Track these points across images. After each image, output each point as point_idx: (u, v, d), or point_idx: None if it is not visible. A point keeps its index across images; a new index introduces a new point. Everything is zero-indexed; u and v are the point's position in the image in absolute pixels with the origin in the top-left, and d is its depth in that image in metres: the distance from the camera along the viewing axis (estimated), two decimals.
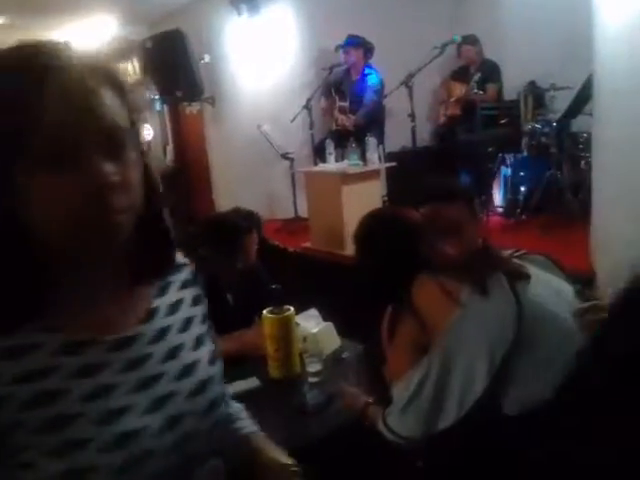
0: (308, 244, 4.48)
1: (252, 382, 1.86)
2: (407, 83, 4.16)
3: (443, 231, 1.48)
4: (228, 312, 2.19)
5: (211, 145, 6.38)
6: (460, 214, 1.59)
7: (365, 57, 4.94)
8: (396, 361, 1.35)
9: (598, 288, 3.12)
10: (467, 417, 1.20)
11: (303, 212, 5.07)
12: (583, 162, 4.46)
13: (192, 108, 6.26)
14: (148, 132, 7.65)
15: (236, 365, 1.95)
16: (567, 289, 1.30)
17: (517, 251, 1.43)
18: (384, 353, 1.70)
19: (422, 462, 1.35)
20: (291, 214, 5.26)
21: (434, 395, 1.24)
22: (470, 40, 5.09)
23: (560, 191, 4.37)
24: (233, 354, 2.00)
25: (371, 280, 1.49)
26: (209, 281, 2.13)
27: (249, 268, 2.22)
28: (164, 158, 7.22)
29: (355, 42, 4.91)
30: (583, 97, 4.04)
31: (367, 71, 4.97)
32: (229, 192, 5.88)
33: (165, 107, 7.22)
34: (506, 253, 1.42)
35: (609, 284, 3.04)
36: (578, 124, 4.56)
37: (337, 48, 5.03)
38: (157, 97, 6.66)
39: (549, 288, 1.28)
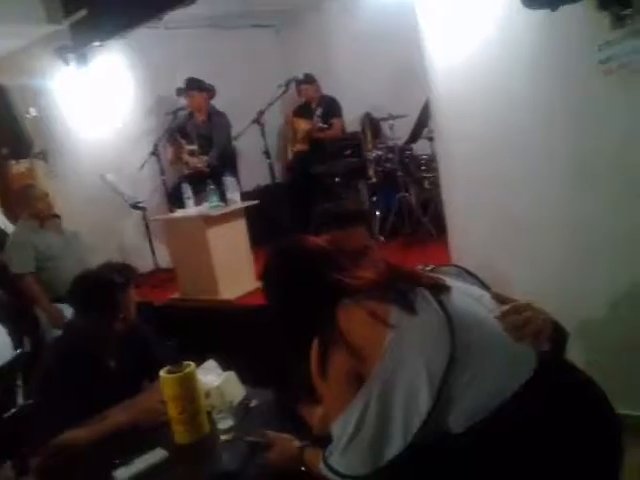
0: (176, 295, 4.24)
1: (158, 454, 1.66)
2: (259, 120, 4.18)
3: (352, 255, 1.46)
4: (111, 379, 1.96)
5: None
6: (362, 237, 1.58)
7: (208, 98, 4.89)
8: (332, 396, 1.27)
9: None
10: (414, 442, 1.16)
11: (163, 262, 4.83)
12: (427, 182, 4.80)
13: (20, 166, 5.71)
14: None
15: (133, 438, 1.75)
16: (484, 294, 1.33)
17: (427, 265, 1.44)
18: (297, 393, 1.62)
19: None
20: (150, 266, 4.96)
21: (377, 425, 1.18)
22: (308, 79, 5.28)
23: (411, 211, 4.64)
24: (127, 426, 1.80)
25: (287, 317, 1.40)
26: (81, 348, 1.91)
27: (130, 327, 2.01)
28: None
29: (196, 85, 4.84)
30: (421, 122, 4.37)
31: (212, 112, 4.92)
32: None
33: None
34: (418, 268, 1.42)
35: None
36: (417, 148, 4.91)
37: (179, 91, 4.93)
38: None
39: (469, 296, 1.30)
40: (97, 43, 4.72)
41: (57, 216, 3.95)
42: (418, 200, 4.71)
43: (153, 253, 4.95)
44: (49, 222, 3.87)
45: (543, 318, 1.24)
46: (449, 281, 1.32)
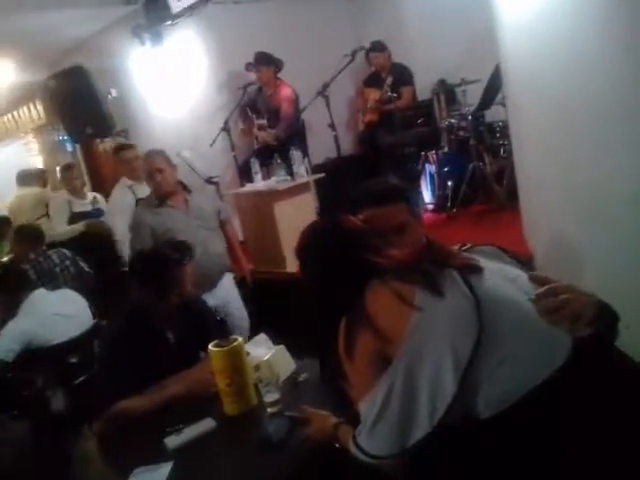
0: (250, 266, 4.35)
1: (207, 423, 1.74)
2: (323, 93, 4.15)
3: (386, 234, 1.42)
4: (170, 351, 2.06)
5: None
6: (400, 214, 1.54)
7: (275, 72, 4.90)
8: (358, 377, 1.27)
9: (536, 269, 3.19)
10: (440, 426, 1.13)
11: (238, 235, 4.95)
12: (502, 150, 4.59)
13: (105, 144, 6.02)
14: None
15: (185, 407, 1.83)
16: (521, 275, 1.26)
17: (464, 245, 1.39)
18: (341, 370, 1.63)
19: (402, 478, 1.27)
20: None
21: (402, 407, 1.16)
22: (377, 47, 5.15)
23: (485, 181, 4.47)
24: (182, 396, 1.88)
25: (319, 294, 1.40)
26: (143, 321, 2.01)
27: (186, 301, 2.09)
28: None
29: (264, 59, 4.86)
30: (493, 87, 4.15)
31: (279, 85, 4.93)
32: None
33: (76, 147, 6.93)
34: (454, 248, 1.37)
35: (545, 264, 3.11)
36: (492, 114, 4.70)
37: (247, 66, 4.97)
38: (66, 137, 6.36)
39: (503, 277, 1.24)
40: (169, 22, 4.82)
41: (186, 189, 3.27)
42: (492, 169, 4.52)
43: None
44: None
45: (583, 301, 1.15)
46: (483, 261, 1.26)
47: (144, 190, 3.70)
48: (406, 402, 1.16)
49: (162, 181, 3.00)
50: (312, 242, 1.45)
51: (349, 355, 1.26)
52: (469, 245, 1.38)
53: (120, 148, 4.11)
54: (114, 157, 4.18)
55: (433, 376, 1.14)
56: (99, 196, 4.61)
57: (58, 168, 4.79)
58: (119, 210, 3.78)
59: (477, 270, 1.22)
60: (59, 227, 4.29)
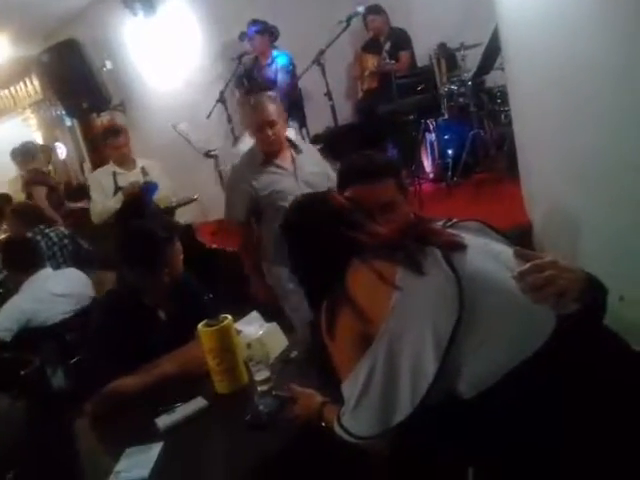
0: None
1: (198, 402, 1.74)
2: (319, 61, 4.06)
3: (372, 211, 1.39)
4: (162, 329, 2.04)
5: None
6: (388, 191, 1.51)
7: (271, 41, 4.80)
8: (340, 357, 1.25)
9: (535, 236, 3.16)
10: (422, 406, 1.12)
11: None
12: (503, 116, 4.49)
13: (102, 118, 5.97)
14: (61, 150, 7.29)
15: (177, 387, 1.83)
16: (506, 251, 1.23)
17: (449, 220, 1.35)
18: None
19: (386, 458, 1.27)
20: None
21: (384, 387, 1.15)
22: (375, 10, 5.01)
23: (485, 148, 4.39)
24: (175, 374, 1.88)
25: (302, 272, 1.39)
26: (133, 300, 1.99)
27: (177, 280, 2.07)
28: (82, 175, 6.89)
29: (259, 27, 4.76)
30: (492, 51, 4.04)
31: (275, 54, 4.83)
32: None
33: (75, 121, 6.87)
34: (438, 224, 1.34)
35: (544, 231, 3.07)
36: (492, 79, 4.58)
37: (241, 36, 4.87)
38: (64, 112, 6.31)
39: (487, 254, 1.20)
40: None
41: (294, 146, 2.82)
42: (492, 136, 4.43)
43: None
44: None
45: (568, 277, 1.12)
46: (468, 238, 1.23)
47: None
48: (388, 382, 1.15)
49: (273, 136, 2.58)
50: (297, 217, 1.42)
51: (331, 335, 1.25)
52: (454, 220, 1.35)
53: (108, 133, 3.91)
54: (102, 142, 4.04)
55: (414, 356, 1.12)
56: (151, 163, 3.98)
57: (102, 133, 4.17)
58: (95, 188, 3.78)
59: (460, 247, 1.19)
60: (98, 205, 3.73)
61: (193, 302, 2.09)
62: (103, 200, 3.72)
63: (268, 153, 2.64)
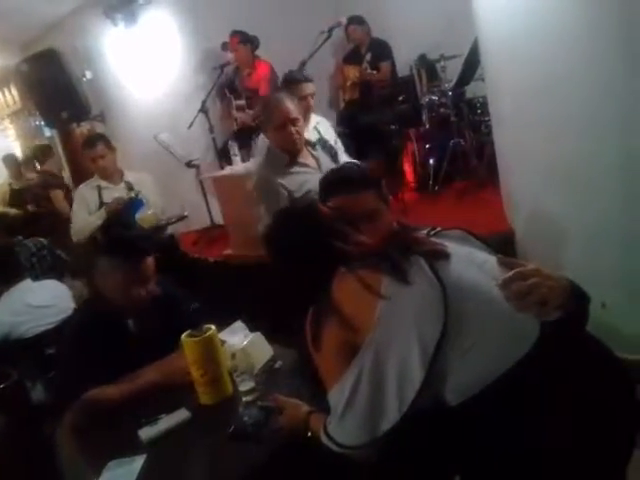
0: (229, 251, 4.32)
1: (181, 414, 1.72)
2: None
3: (356, 221, 1.40)
4: (132, 343, 1.95)
5: None
6: (370, 201, 1.52)
7: (252, 50, 4.81)
8: (327, 366, 1.25)
9: (517, 243, 3.19)
10: (409, 415, 1.12)
11: (218, 219, 4.90)
12: (483, 126, 4.55)
13: (82, 128, 5.91)
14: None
15: (161, 398, 1.80)
16: (489, 260, 1.24)
17: (433, 229, 1.37)
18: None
19: (373, 467, 1.26)
20: (206, 223, 5.07)
21: (371, 396, 1.15)
22: (356, 21, 5.06)
23: (466, 157, 4.44)
24: (157, 384, 1.85)
25: (286, 281, 1.39)
26: (102, 311, 1.92)
27: (150, 294, 1.96)
28: None
29: (240, 37, 4.77)
30: (472, 62, 4.10)
31: (257, 64, 4.85)
32: None
33: (54, 132, 6.79)
34: (422, 233, 1.35)
35: (526, 239, 3.11)
36: (472, 90, 4.65)
37: (223, 46, 4.88)
38: (43, 122, 6.24)
39: (471, 263, 1.22)
40: (142, 1, 4.71)
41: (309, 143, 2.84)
42: (472, 145, 4.49)
43: (208, 210, 5.03)
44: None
45: (551, 284, 1.14)
46: (451, 246, 1.24)
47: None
48: (374, 391, 1.15)
49: (296, 134, 2.53)
50: (280, 228, 1.42)
51: (316, 344, 1.25)
52: (437, 229, 1.36)
53: (85, 144, 3.66)
54: (83, 153, 3.72)
55: (400, 364, 1.12)
56: (141, 177, 3.71)
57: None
58: (77, 203, 3.55)
59: (444, 256, 1.20)
60: (78, 221, 3.52)
61: (174, 313, 2.05)
62: (85, 216, 3.49)
63: (291, 152, 2.57)
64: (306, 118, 2.99)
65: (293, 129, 2.52)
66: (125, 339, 1.95)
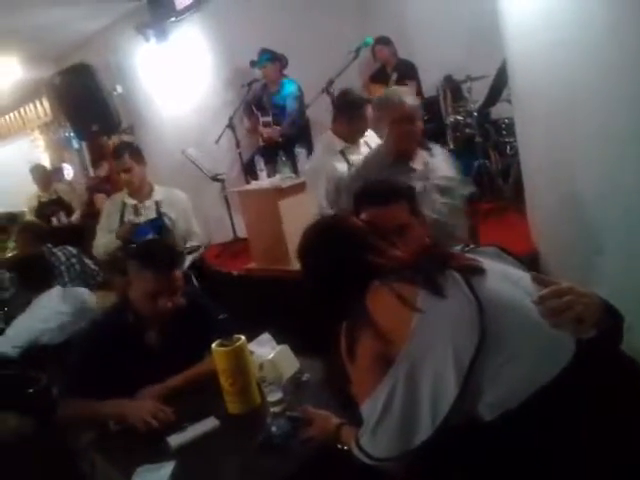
0: (252, 265, 4.36)
1: (210, 423, 1.73)
2: (328, 90, 4.13)
3: (388, 234, 1.42)
4: (150, 355, 1.97)
5: None
6: (402, 215, 1.54)
7: (281, 69, 4.90)
8: (360, 378, 1.26)
9: (542, 266, 3.18)
10: (443, 429, 1.13)
11: (242, 233, 4.96)
12: (508, 147, 4.56)
13: (112, 141, 6.03)
14: (68, 172, 7.35)
15: (190, 406, 1.82)
16: (524, 277, 1.25)
17: (467, 246, 1.38)
18: (346, 371, 1.62)
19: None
20: (230, 236, 5.13)
21: (404, 409, 1.16)
22: (383, 41, 5.14)
23: (491, 179, 4.44)
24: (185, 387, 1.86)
25: (320, 294, 1.40)
26: (120, 324, 1.94)
27: (176, 307, 1.97)
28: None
29: (269, 56, 4.86)
30: (499, 84, 4.13)
31: (284, 82, 4.92)
32: None
33: (83, 144, 6.95)
34: (456, 248, 1.36)
35: (550, 261, 3.10)
36: (498, 111, 4.66)
37: (252, 63, 4.97)
38: (72, 134, 6.39)
39: (506, 279, 1.23)
40: (173, 18, 4.82)
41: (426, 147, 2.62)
42: (498, 167, 4.50)
43: (232, 223, 5.09)
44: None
45: (586, 302, 1.14)
46: (486, 263, 1.25)
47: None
48: (408, 404, 1.16)
49: (412, 134, 2.37)
50: (313, 242, 1.44)
51: (351, 356, 1.26)
52: (472, 246, 1.37)
53: (114, 154, 3.39)
54: (113, 165, 3.58)
55: (435, 378, 1.13)
56: (174, 198, 3.35)
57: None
58: (102, 218, 3.32)
59: (479, 271, 1.21)
60: (99, 237, 3.32)
61: (202, 322, 2.06)
62: (105, 233, 3.27)
63: (402, 151, 2.40)
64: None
65: (409, 127, 2.37)
66: (140, 352, 1.94)
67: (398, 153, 2.39)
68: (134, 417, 1.76)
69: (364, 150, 2.87)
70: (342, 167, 2.79)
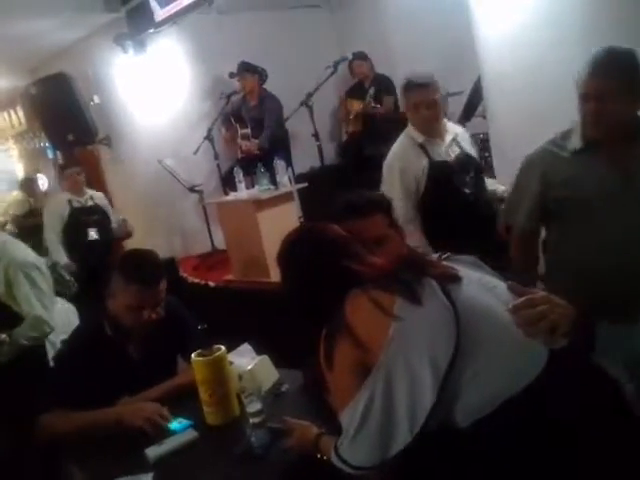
0: (230, 276, 4.35)
1: (189, 434, 1.73)
2: (307, 103, 4.18)
3: (369, 243, 1.44)
4: (132, 367, 1.95)
5: (113, 187, 6.11)
6: (379, 226, 1.56)
7: (260, 83, 4.93)
8: (339, 386, 1.27)
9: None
10: (420, 436, 1.14)
11: (220, 244, 4.95)
12: (483, 162, 4.64)
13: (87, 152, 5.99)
14: (42, 182, 7.25)
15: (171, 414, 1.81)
16: (500, 285, 1.28)
17: (444, 254, 1.41)
18: (325, 379, 1.63)
19: None
20: (208, 248, 5.11)
21: (383, 417, 1.17)
22: (360, 56, 5.21)
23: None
24: (111, 427, 1.79)
25: (299, 301, 1.41)
26: (100, 333, 1.92)
27: (155, 320, 1.93)
28: None
29: (248, 68, 4.89)
30: (474, 99, 4.22)
31: (264, 95, 4.95)
32: (140, 233, 5.62)
33: (58, 154, 6.87)
34: (433, 256, 1.39)
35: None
36: (474, 127, 4.75)
37: (231, 75, 4.99)
38: (47, 144, 6.32)
39: (482, 286, 1.26)
40: (152, 30, 4.83)
41: None
42: None
43: (210, 235, 5.08)
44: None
45: (560, 312, 1.17)
46: (463, 271, 1.28)
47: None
48: (386, 412, 1.17)
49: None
50: (293, 249, 1.45)
51: (329, 364, 1.27)
52: (448, 254, 1.40)
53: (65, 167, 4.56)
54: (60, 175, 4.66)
55: (412, 386, 1.15)
56: (97, 194, 4.59)
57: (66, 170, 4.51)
58: (51, 222, 4.29)
59: (456, 279, 1.24)
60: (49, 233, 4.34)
61: (180, 333, 2.05)
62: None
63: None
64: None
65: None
66: (121, 364, 1.92)
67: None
68: (135, 419, 1.75)
69: (452, 148, 2.66)
70: (422, 161, 2.58)
